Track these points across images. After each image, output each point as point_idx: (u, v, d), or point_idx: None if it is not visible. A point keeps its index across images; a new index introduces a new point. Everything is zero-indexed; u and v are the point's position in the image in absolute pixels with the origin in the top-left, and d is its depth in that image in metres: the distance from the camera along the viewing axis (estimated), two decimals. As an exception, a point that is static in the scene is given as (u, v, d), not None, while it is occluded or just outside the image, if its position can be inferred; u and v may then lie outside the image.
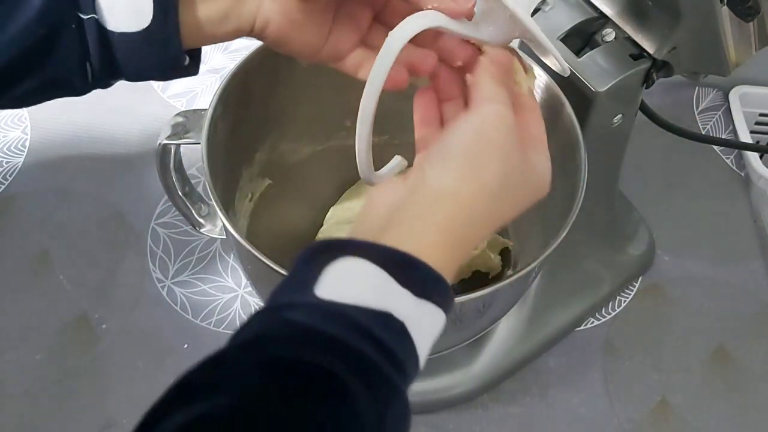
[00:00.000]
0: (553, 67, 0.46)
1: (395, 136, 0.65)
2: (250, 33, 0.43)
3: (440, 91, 0.43)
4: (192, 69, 0.43)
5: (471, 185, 0.36)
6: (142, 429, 0.28)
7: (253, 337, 0.31)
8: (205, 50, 0.91)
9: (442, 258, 0.34)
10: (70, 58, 0.39)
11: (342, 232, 0.64)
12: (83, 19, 0.38)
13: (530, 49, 0.47)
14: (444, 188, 0.36)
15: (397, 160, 0.48)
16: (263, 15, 0.42)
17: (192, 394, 0.28)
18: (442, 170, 0.37)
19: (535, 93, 0.43)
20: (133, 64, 0.40)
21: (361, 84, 0.42)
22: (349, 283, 0.32)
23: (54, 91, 0.42)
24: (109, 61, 0.40)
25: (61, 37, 0.39)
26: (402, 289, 0.32)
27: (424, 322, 0.33)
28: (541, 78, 0.55)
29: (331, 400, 0.29)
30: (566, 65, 0.45)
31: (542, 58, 0.46)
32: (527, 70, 0.44)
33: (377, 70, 0.41)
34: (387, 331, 0.32)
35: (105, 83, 0.42)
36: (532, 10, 0.43)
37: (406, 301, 0.33)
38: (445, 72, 0.43)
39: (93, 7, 0.38)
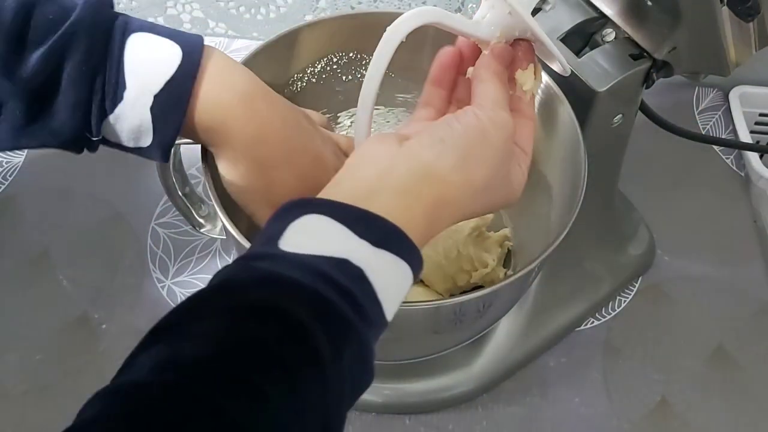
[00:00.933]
0: (553, 67, 0.46)
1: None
2: None
3: (463, 61, 0.46)
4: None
5: (460, 177, 0.38)
6: (119, 373, 0.31)
7: (218, 282, 0.33)
8: (205, 50, 0.91)
9: (419, 232, 0.37)
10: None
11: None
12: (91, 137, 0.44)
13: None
14: (436, 170, 0.38)
15: None
16: None
17: (160, 338, 0.31)
18: (439, 153, 0.38)
19: (536, 97, 0.44)
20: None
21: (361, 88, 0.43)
22: (309, 237, 0.35)
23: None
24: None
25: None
26: (360, 240, 0.34)
27: (384, 271, 0.35)
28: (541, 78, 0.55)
29: (289, 338, 0.31)
30: (567, 65, 0.45)
31: (542, 58, 0.46)
32: (537, 74, 0.44)
33: (376, 63, 0.41)
34: (344, 274, 0.34)
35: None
36: (532, 9, 0.43)
37: (363, 250, 0.34)
38: (473, 47, 0.46)
39: (98, 133, 0.43)
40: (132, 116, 0.43)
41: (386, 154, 0.39)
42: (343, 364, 0.32)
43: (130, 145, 0.44)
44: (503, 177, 0.41)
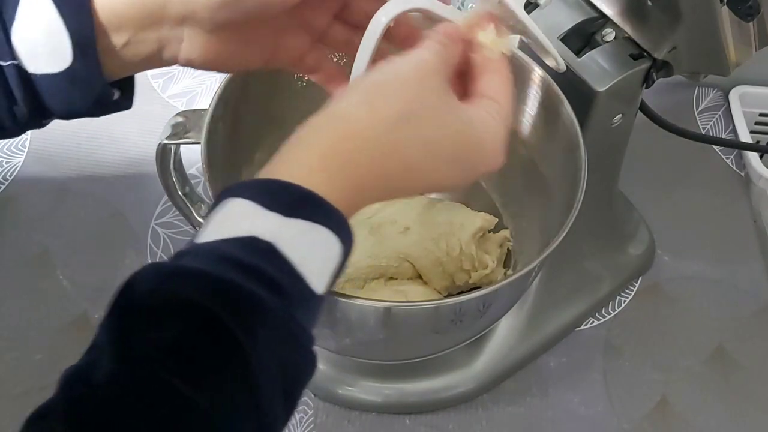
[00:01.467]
0: (548, 62, 0.46)
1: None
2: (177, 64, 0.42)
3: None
4: (124, 103, 0.42)
5: (363, 112, 0.35)
6: None
7: (122, 286, 0.32)
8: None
9: (328, 182, 0.33)
10: None
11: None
12: (2, 65, 0.38)
13: (530, 48, 0.47)
14: (335, 113, 0.35)
15: None
16: (184, 56, 0.41)
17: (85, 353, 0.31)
18: (341, 98, 0.36)
19: (509, 55, 0.41)
20: (60, 104, 0.39)
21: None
22: (219, 224, 0.33)
23: None
24: (35, 102, 0.39)
25: None
26: (268, 213, 0.32)
27: (298, 240, 0.32)
28: (541, 78, 0.55)
29: (197, 328, 0.29)
30: (560, 59, 0.45)
31: (538, 53, 0.46)
32: (501, 33, 0.42)
33: (363, 48, 0.41)
34: (250, 252, 0.31)
35: (37, 123, 0.41)
36: (523, 2, 0.43)
37: (272, 223, 0.32)
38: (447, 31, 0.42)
39: (11, 53, 0.37)
40: (36, 15, 0.37)
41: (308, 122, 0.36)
42: (259, 343, 0.30)
43: (53, 68, 0.38)
44: (442, 117, 0.36)
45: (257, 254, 0.31)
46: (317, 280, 0.33)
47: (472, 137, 0.37)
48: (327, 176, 0.33)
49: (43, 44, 0.37)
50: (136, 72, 0.42)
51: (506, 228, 0.65)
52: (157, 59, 0.41)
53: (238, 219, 0.32)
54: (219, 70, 0.43)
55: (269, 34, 0.42)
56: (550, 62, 0.46)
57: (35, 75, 0.38)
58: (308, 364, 0.32)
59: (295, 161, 0.34)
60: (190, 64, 0.42)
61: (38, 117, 0.40)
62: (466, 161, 0.37)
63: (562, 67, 0.46)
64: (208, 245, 0.32)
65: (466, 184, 0.40)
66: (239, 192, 0.33)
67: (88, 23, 0.37)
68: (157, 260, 0.32)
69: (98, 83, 0.39)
